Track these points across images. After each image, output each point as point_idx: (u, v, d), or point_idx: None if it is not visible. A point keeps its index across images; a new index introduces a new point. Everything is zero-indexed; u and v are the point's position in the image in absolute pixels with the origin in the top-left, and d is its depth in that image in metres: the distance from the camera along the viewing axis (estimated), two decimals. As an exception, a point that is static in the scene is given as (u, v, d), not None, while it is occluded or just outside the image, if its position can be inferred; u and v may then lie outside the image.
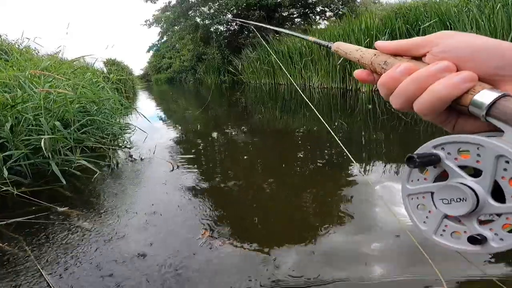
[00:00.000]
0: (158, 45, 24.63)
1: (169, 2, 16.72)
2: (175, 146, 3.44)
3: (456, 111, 0.28)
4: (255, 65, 11.80)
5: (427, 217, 0.29)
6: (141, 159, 2.79)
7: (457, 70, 0.27)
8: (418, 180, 0.29)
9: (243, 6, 15.06)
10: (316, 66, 8.08)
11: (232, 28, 17.05)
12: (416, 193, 0.29)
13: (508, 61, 0.25)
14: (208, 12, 16.24)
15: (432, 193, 0.28)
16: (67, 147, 2.41)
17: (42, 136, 2.01)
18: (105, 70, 12.11)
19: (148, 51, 25.78)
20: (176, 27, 17.52)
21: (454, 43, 0.28)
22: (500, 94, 0.24)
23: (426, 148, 0.28)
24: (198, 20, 16.59)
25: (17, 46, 4.14)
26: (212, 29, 16.80)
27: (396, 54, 0.32)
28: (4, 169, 1.83)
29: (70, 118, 2.35)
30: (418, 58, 0.30)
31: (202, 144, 3.67)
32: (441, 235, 0.28)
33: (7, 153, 1.92)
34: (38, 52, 5.03)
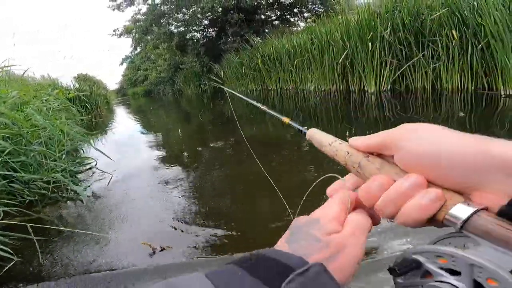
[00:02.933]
0: (132, 56, 23.36)
1: (139, 10, 15.64)
2: (156, 199, 2.11)
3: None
4: (240, 71, 10.88)
5: None
6: (105, 232, 1.71)
7: (426, 180, 0.27)
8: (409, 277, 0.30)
9: (219, 11, 14.20)
10: (311, 67, 7.23)
11: (209, 35, 16.17)
12: (408, 286, 0.29)
13: (472, 170, 0.24)
14: (182, 18, 15.27)
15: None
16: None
17: None
18: (76, 85, 10.83)
19: (122, 63, 24.46)
20: (148, 37, 16.44)
21: (416, 149, 0.27)
22: (472, 212, 0.24)
23: (407, 254, 0.28)
24: (172, 28, 15.60)
25: None
26: (187, 37, 15.85)
27: (368, 152, 0.32)
28: None
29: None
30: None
31: (198, 196, 2.17)
32: None
33: None
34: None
